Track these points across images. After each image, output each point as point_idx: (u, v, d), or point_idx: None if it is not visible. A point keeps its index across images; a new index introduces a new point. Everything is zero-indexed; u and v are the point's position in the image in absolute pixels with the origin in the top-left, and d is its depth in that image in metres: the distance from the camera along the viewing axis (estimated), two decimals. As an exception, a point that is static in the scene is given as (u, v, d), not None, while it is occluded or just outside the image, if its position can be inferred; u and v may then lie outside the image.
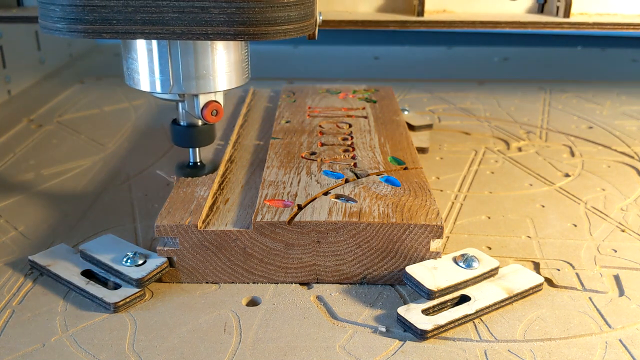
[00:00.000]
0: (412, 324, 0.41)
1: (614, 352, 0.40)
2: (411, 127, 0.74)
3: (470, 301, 0.43)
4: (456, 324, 0.42)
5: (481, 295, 0.44)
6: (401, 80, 1.05)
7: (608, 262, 0.50)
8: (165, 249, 0.46)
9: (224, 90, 0.50)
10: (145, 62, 0.48)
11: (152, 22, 0.43)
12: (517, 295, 0.44)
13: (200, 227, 0.45)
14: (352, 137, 0.61)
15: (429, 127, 0.76)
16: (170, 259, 0.46)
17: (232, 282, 0.47)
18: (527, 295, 0.45)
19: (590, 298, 0.45)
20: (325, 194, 0.49)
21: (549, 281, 0.47)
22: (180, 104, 0.51)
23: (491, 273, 0.46)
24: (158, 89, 0.48)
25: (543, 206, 0.59)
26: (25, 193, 0.62)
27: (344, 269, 0.46)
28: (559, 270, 0.49)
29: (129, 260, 0.46)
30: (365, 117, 0.67)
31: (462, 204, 0.60)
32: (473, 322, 0.42)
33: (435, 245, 0.46)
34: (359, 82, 0.92)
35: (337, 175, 0.52)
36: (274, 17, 0.43)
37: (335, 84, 0.83)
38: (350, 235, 0.45)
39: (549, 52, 1.27)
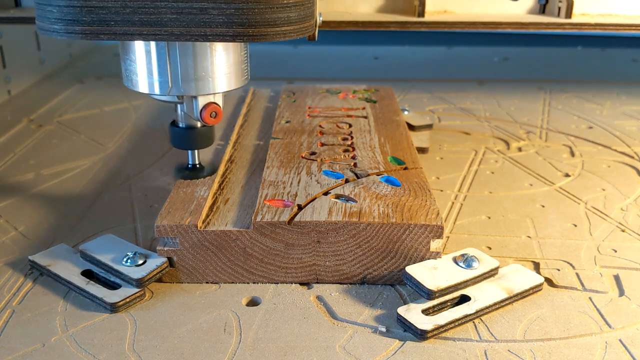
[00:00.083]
0: (412, 324, 0.41)
1: (614, 352, 0.40)
2: (411, 127, 0.74)
3: (470, 301, 0.43)
4: (456, 324, 0.42)
5: (481, 295, 0.44)
6: (401, 80, 1.05)
7: (608, 262, 0.50)
8: (165, 249, 0.46)
9: (223, 92, 0.50)
10: (143, 64, 0.47)
11: (150, 23, 0.42)
12: (517, 295, 0.44)
13: (200, 227, 0.45)
14: (352, 137, 0.61)
15: (429, 127, 0.76)
16: (170, 259, 0.46)
17: (232, 282, 0.47)
18: (527, 295, 0.45)
19: (590, 298, 0.45)
20: (325, 194, 0.49)
21: (549, 281, 0.47)
22: (178, 106, 0.51)
23: (491, 273, 0.46)
24: (156, 90, 0.48)
25: (543, 206, 0.59)
26: (25, 193, 0.62)
27: (344, 269, 0.46)
28: (559, 270, 0.49)
29: (129, 260, 0.46)
30: (365, 117, 0.67)
31: (462, 204, 0.60)
32: (473, 322, 0.42)
33: (435, 245, 0.46)
34: (359, 82, 0.92)
35: (337, 175, 0.52)
36: (274, 18, 0.43)
37: (335, 84, 0.83)
38: (350, 235, 0.45)
39: (549, 52, 1.27)
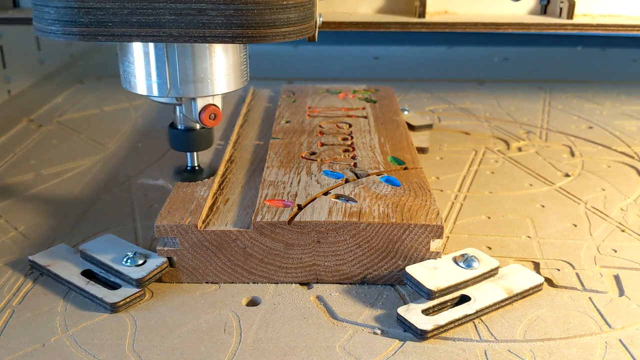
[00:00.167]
0: (412, 324, 0.41)
1: (614, 352, 0.40)
2: (411, 127, 0.74)
3: (470, 301, 0.43)
4: (456, 324, 0.42)
5: (481, 295, 0.44)
6: (401, 80, 1.05)
7: (608, 262, 0.50)
8: (165, 249, 0.46)
9: (222, 94, 0.49)
10: (141, 65, 0.47)
11: (148, 24, 0.42)
12: (517, 295, 0.44)
13: (200, 227, 0.45)
14: (352, 137, 0.61)
15: (429, 127, 0.76)
16: (170, 259, 0.46)
17: (232, 282, 0.47)
18: (527, 295, 0.45)
19: (590, 298, 0.45)
20: (325, 194, 0.49)
21: (549, 281, 0.47)
22: (177, 108, 0.50)
23: (491, 273, 0.46)
24: (155, 92, 0.47)
25: (543, 206, 0.59)
26: (25, 193, 0.62)
27: (344, 269, 0.46)
28: (559, 270, 0.49)
29: (129, 260, 0.46)
30: (365, 117, 0.67)
31: (462, 204, 0.60)
32: (473, 322, 0.42)
33: (435, 245, 0.46)
34: (359, 82, 0.92)
35: (337, 175, 0.52)
36: (273, 19, 0.42)
37: (335, 84, 0.83)
38: (350, 235, 0.45)
39: (549, 52, 1.27)
